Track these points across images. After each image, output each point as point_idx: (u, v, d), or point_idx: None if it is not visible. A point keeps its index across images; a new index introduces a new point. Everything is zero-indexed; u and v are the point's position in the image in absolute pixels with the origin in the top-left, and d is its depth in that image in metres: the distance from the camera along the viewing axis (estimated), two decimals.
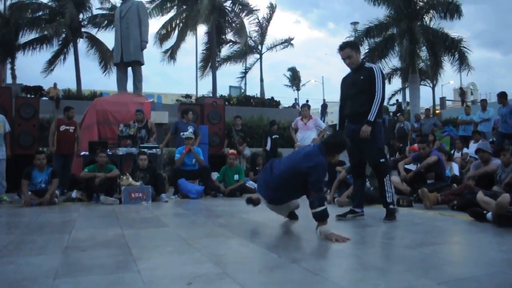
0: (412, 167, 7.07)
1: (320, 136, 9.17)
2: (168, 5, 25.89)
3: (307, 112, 9.14)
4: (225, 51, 29.18)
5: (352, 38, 19.58)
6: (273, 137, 10.80)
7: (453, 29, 25.60)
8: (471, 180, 6.06)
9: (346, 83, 4.68)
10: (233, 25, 27.15)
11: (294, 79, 42.63)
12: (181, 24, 26.19)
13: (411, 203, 5.75)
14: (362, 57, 4.82)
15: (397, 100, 27.08)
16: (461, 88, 29.41)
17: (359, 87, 4.43)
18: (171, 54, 26.52)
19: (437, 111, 26.38)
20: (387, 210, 4.45)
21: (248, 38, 28.27)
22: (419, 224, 4.35)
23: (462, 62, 17.90)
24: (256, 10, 27.82)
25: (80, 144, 8.60)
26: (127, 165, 8.39)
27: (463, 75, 18.97)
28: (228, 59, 29.36)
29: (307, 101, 28.85)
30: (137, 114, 8.96)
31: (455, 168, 7.99)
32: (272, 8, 29.11)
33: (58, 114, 12.05)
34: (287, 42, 30.91)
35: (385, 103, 23.28)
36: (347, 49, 4.45)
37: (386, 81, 23.20)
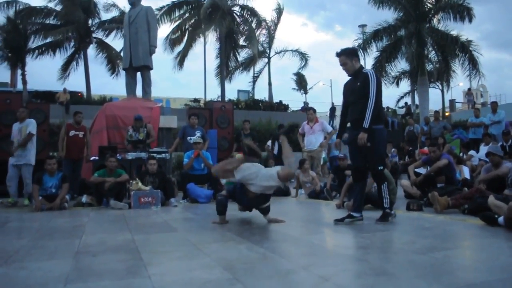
0: (422, 170, 7.03)
1: (326, 140, 9.13)
2: (177, 11, 25.99)
3: (312, 115, 9.09)
4: (238, 56, 29.29)
5: (360, 41, 19.55)
6: (280, 141, 10.79)
7: (462, 30, 25.46)
8: (482, 184, 6.00)
9: (346, 89, 4.83)
10: (243, 31, 27.17)
11: (301, 82, 42.51)
12: (190, 29, 26.27)
13: (421, 207, 5.70)
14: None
15: (406, 103, 26.95)
16: (469, 89, 29.21)
17: (357, 95, 4.57)
18: (180, 60, 26.56)
19: (446, 114, 26.21)
20: (382, 212, 4.63)
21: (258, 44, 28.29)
22: (430, 228, 4.32)
23: (473, 66, 17.75)
24: (266, 21, 27.95)
25: (89, 149, 8.65)
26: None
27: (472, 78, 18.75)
28: (239, 66, 29.42)
29: (307, 103, 28.79)
30: (136, 122, 8.94)
31: (466, 172, 7.92)
32: (279, 12, 29.08)
33: (68, 119, 12.14)
34: (302, 55, 30.88)
35: (394, 106, 23.23)
36: (343, 56, 4.62)
37: (394, 84, 23.40)
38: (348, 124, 4.93)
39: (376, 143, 4.47)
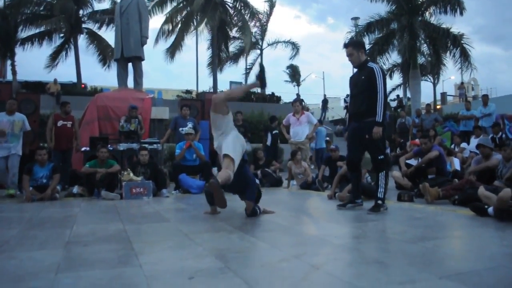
0: (413, 162, 7.07)
1: (311, 132, 9.19)
2: (169, 3, 25.79)
3: (299, 107, 9.13)
4: (229, 47, 29.14)
5: (352, 34, 19.57)
6: (274, 132, 10.78)
7: (454, 24, 25.60)
8: (472, 175, 6.05)
9: (351, 82, 4.93)
10: (236, 22, 27.03)
11: (294, 75, 42.48)
12: (182, 20, 26.08)
13: (412, 198, 5.74)
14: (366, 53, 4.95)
15: (397, 96, 27.04)
16: (462, 83, 29.37)
17: (360, 87, 4.71)
18: (172, 51, 26.37)
19: (438, 107, 26.36)
20: (375, 202, 4.71)
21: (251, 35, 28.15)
22: (421, 218, 4.36)
23: (465, 59, 17.83)
24: (260, 13, 27.89)
25: (78, 139, 8.57)
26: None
27: (464, 71, 18.91)
28: (231, 57, 29.30)
29: (299, 95, 28.78)
30: (132, 111, 8.91)
31: (456, 163, 7.99)
32: (272, 3, 29.00)
33: (58, 110, 12.04)
34: (293, 45, 30.81)
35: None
36: (350, 47, 4.76)
37: (387, 77, 23.49)
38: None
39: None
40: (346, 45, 4.81)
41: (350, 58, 4.76)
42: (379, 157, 4.71)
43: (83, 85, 25.19)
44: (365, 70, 4.68)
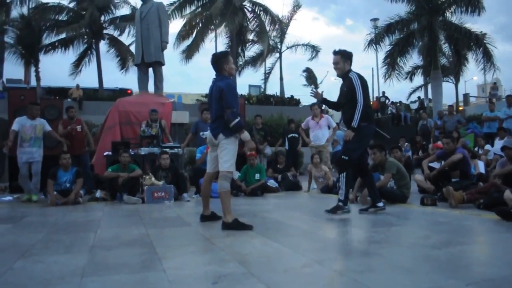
0: (436, 165, 6.95)
1: (331, 136, 9.16)
2: (188, 7, 25.98)
3: (317, 110, 9.13)
4: (246, 52, 29.12)
5: (372, 35, 19.42)
6: (289, 136, 10.76)
7: (475, 23, 25.16)
8: (498, 178, 5.91)
9: (340, 91, 5.18)
10: (254, 27, 27.03)
11: (310, 78, 42.40)
12: (200, 24, 26.24)
13: (435, 202, 5.64)
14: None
15: (419, 97, 26.67)
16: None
17: (345, 98, 4.92)
18: (189, 54, 26.50)
19: (460, 108, 25.90)
20: (337, 203, 4.79)
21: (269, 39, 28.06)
22: (445, 223, 4.28)
23: (488, 59, 17.48)
24: (278, 18, 27.78)
25: (91, 139, 8.63)
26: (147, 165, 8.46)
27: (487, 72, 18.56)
28: (249, 61, 29.32)
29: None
30: (152, 114, 9.01)
31: (481, 166, 7.83)
32: (297, 7, 28.83)
33: (81, 115, 12.23)
34: (313, 48, 30.58)
35: (406, 101, 23.14)
36: (338, 56, 4.90)
37: (408, 79, 23.23)
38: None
39: (352, 137, 4.73)
40: (335, 53, 4.92)
41: (336, 66, 4.91)
42: (343, 156, 4.81)
43: (129, 91, 25.43)
44: (347, 80, 4.84)
